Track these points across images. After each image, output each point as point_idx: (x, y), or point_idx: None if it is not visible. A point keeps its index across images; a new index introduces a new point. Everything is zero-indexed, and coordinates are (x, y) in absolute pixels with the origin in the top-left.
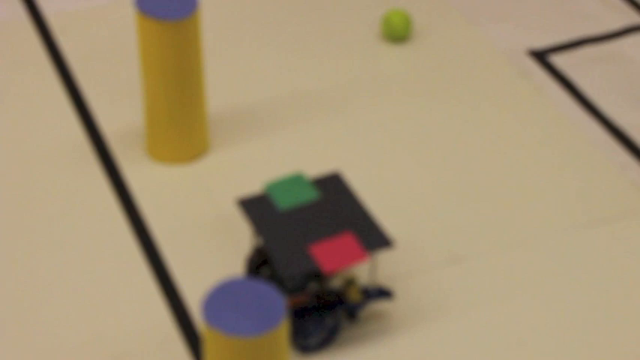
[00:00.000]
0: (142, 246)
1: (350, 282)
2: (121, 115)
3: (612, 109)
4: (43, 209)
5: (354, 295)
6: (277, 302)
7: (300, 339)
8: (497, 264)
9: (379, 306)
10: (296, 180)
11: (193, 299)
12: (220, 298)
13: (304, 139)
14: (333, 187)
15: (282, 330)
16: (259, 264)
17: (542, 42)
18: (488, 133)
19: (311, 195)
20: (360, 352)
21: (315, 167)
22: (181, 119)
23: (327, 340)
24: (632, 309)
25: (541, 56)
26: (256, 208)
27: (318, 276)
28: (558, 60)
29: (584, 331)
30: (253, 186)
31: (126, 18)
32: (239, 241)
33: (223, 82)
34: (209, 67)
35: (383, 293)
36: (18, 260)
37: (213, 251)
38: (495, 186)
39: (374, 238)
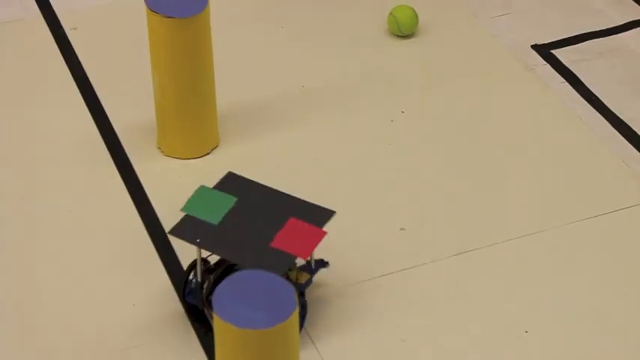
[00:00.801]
0: (153, 238)
1: (290, 268)
2: (132, 110)
3: (616, 102)
4: (56, 202)
5: (301, 277)
6: (288, 294)
7: None
8: (503, 255)
9: (390, 296)
10: (205, 193)
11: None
12: (231, 290)
13: (313, 134)
14: (239, 185)
15: (294, 321)
16: (214, 283)
17: (546, 36)
18: (494, 127)
19: (230, 200)
20: (372, 340)
21: (325, 161)
22: (191, 114)
23: (301, 322)
24: (639, 299)
25: (546, 50)
26: (193, 231)
27: None
28: (563, 54)
29: (590, 320)
30: (262, 180)
31: (136, 15)
32: None
33: (233, 78)
34: (218, 62)
35: (320, 264)
36: (30, 252)
37: None
38: (501, 178)
39: (315, 214)
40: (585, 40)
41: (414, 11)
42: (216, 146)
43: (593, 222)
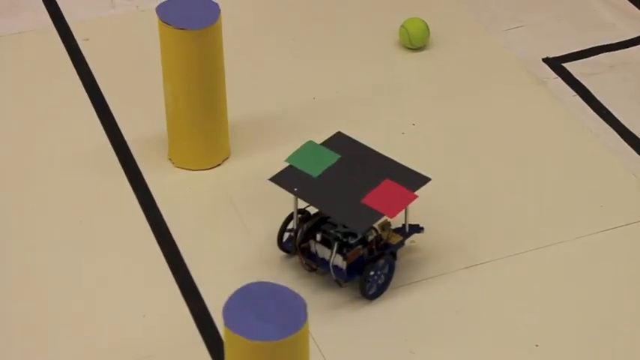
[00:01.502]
0: (165, 250)
1: (384, 227)
2: (144, 121)
3: (628, 115)
4: (68, 213)
5: (392, 237)
6: (298, 305)
7: (365, 289)
8: (513, 268)
9: (399, 308)
10: (311, 148)
11: (214, 303)
12: (241, 302)
13: None
14: (345, 145)
15: (304, 333)
16: (307, 231)
17: (558, 49)
18: (505, 140)
19: (333, 157)
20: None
21: None
22: (203, 125)
23: (387, 283)
24: None
25: (557, 63)
26: (293, 180)
27: None
28: (574, 67)
29: (601, 335)
30: (273, 192)
31: (148, 26)
32: (260, 246)
33: (244, 89)
34: (230, 74)
35: (415, 228)
36: (41, 263)
37: (234, 256)
38: (511, 191)
39: (411, 179)
40: (597, 54)
41: (426, 24)
42: (227, 157)
43: (604, 235)
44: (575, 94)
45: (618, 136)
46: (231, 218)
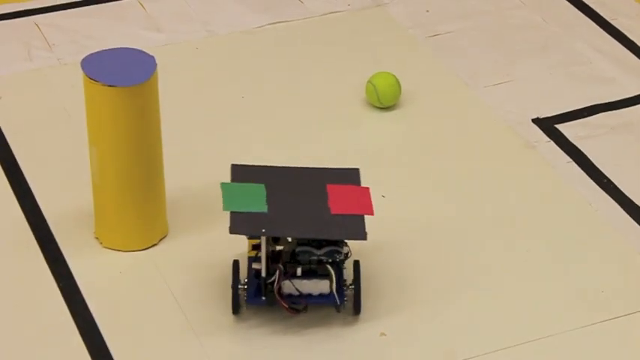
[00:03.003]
0: (91, 348)
1: None
2: (66, 193)
3: (631, 186)
4: None
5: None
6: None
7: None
8: None
9: None
10: (231, 188)
11: None
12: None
13: None
14: (253, 173)
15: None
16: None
17: (550, 108)
18: (490, 213)
19: (260, 188)
20: None
21: None
22: (135, 199)
23: None
24: None
25: (549, 125)
26: (250, 224)
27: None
28: (569, 129)
29: None
30: (220, 277)
31: (71, 82)
32: (204, 344)
33: (185, 157)
34: (167, 138)
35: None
36: None
37: (174, 356)
38: (498, 276)
39: (345, 175)
40: (595, 113)
41: (396, 79)
42: (165, 236)
43: (606, 327)
44: (571, 160)
45: (621, 210)
46: (170, 309)
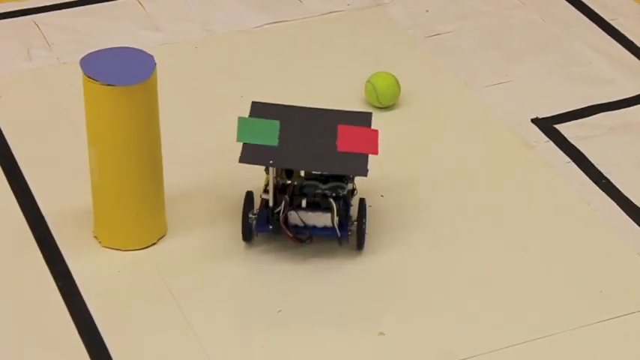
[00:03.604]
0: (89, 347)
1: None
2: (65, 192)
3: (630, 186)
4: None
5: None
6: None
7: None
8: None
9: None
10: (247, 122)
11: None
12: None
13: None
14: (271, 110)
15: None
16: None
17: (549, 109)
18: (489, 213)
19: (274, 124)
20: None
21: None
22: (134, 198)
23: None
24: None
25: (548, 125)
26: (260, 156)
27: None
28: (568, 129)
29: None
30: (218, 276)
31: (71, 82)
32: (203, 343)
33: (184, 155)
34: (167, 137)
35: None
36: None
37: (171, 355)
38: (497, 276)
39: (357, 118)
40: (594, 114)
41: (396, 79)
42: (164, 235)
43: (605, 326)
44: (570, 160)
45: (620, 210)
46: (169, 308)
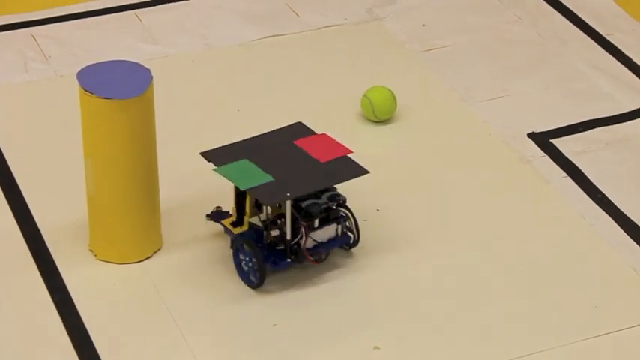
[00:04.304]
0: (83, 356)
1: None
2: (61, 205)
3: (626, 201)
4: None
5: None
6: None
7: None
8: None
9: None
10: (227, 170)
11: None
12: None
13: None
14: (230, 152)
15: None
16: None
17: (545, 123)
18: (484, 228)
19: (247, 163)
20: None
21: None
22: (130, 211)
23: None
24: None
25: (544, 139)
26: (272, 192)
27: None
28: (564, 144)
29: None
30: (213, 290)
31: (68, 94)
32: (193, 353)
33: (180, 169)
34: (163, 151)
35: None
36: None
37: None
38: (492, 292)
39: (300, 130)
40: (590, 129)
41: (392, 93)
42: (159, 249)
43: (600, 341)
44: (566, 175)
45: (616, 225)
46: (164, 322)
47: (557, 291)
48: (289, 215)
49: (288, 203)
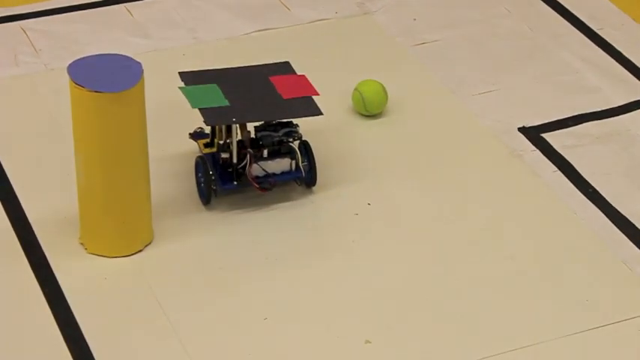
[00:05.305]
0: (74, 349)
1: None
2: (51, 198)
3: (617, 195)
4: None
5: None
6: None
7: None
8: None
9: None
10: (190, 90)
11: None
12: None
13: (267, 226)
14: (201, 76)
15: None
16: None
17: (536, 117)
18: (474, 222)
19: (214, 87)
20: None
21: (276, 261)
22: (121, 205)
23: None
24: None
25: (535, 134)
26: (220, 115)
27: None
28: (555, 138)
29: None
30: (205, 283)
31: (58, 88)
32: (189, 351)
33: (170, 163)
34: (153, 144)
35: None
36: None
37: (151, 357)
38: (484, 286)
39: (280, 67)
40: (581, 123)
41: (383, 87)
42: (150, 243)
43: (591, 335)
44: (557, 169)
45: (607, 219)
46: (155, 315)
47: (548, 285)
48: (234, 140)
49: (236, 128)
